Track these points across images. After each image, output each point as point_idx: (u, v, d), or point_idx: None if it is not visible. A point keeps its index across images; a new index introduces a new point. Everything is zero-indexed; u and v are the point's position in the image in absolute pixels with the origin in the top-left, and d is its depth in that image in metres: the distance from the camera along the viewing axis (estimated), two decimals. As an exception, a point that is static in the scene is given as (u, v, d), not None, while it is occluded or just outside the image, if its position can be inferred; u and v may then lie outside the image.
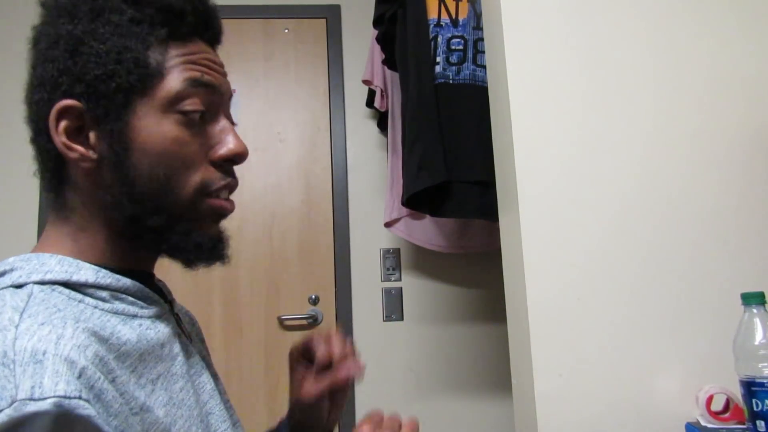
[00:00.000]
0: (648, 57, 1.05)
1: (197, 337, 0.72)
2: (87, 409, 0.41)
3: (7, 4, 2.27)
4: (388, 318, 2.18)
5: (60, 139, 0.53)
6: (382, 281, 2.20)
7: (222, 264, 0.62)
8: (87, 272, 0.52)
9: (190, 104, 0.56)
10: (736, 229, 0.99)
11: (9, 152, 2.16)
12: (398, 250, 2.22)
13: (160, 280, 0.67)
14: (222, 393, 0.65)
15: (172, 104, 0.55)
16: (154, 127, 0.55)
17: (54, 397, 0.40)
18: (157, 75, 0.55)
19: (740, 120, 1.03)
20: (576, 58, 1.04)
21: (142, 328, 0.53)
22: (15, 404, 0.39)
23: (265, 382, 2.10)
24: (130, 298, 0.55)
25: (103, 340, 0.48)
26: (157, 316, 0.57)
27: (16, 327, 0.44)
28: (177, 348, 0.57)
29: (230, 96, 0.62)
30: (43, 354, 0.42)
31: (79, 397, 0.41)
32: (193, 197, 0.57)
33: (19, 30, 2.23)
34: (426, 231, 2.00)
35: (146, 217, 0.55)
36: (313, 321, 2.15)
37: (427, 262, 2.21)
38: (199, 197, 0.57)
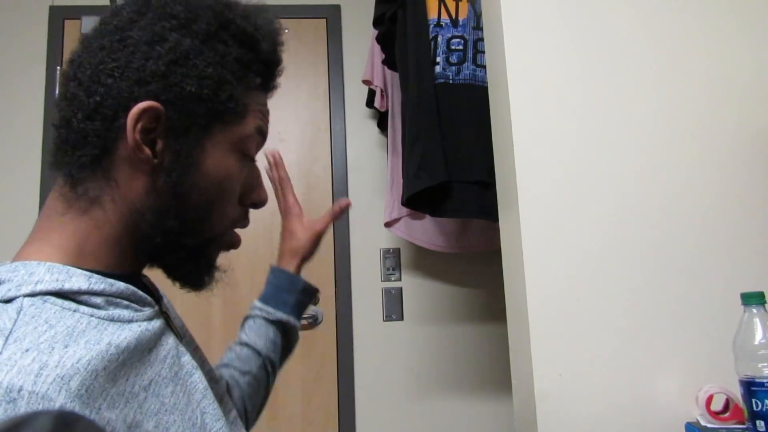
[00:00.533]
0: (648, 57, 1.05)
1: (187, 339, 0.70)
2: None
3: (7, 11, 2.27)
4: (388, 318, 2.18)
5: (135, 136, 0.53)
6: (382, 281, 2.20)
7: (203, 290, 0.64)
8: (79, 279, 0.51)
9: (254, 149, 0.62)
10: (736, 229, 0.99)
11: (9, 152, 2.16)
12: (398, 250, 2.22)
13: (145, 276, 0.66)
14: (215, 389, 0.64)
15: (240, 144, 0.60)
16: (221, 158, 0.58)
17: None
18: (239, 114, 0.59)
19: (740, 120, 1.03)
20: (576, 58, 1.04)
21: (140, 329, 0.53)
22: None
23: (265, 382, 2.10)
24: (125, 302, 0.54)
25: (98, 355, 0.46)
26: (151, 318, 0.56)
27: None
28: (166, 350, 0.56)
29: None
30: (18, 392, 0.39)
31: None
32: (225, 229, 0.62)
33: (20, 36, 2.23)
34: (426, 231, 2.00)
35: (183, 235, 0.58)
36: (313, 321, 2.15)
37: (427, 262, 2.21)
38: (229, 229, 0.63)
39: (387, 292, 2.19)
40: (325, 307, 2.17)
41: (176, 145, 0.55)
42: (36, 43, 2.23)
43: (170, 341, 0.58)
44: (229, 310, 2.15)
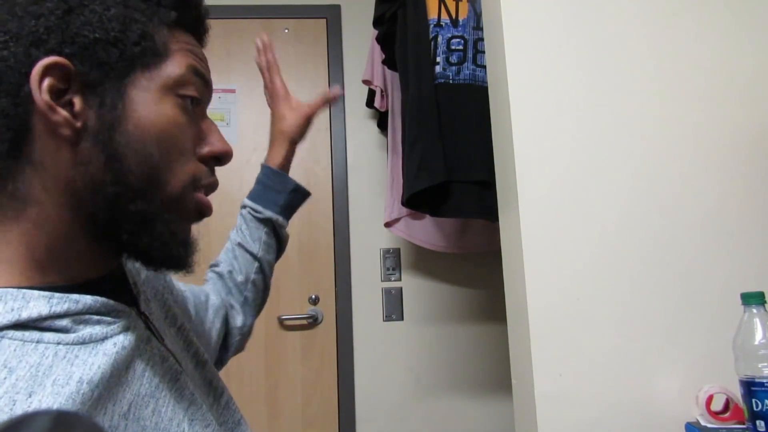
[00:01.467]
0: (648, 56, 1.05)
1: (163, 311, 0.66)
2: None
3: None
4: (388, 318, 2.18)
5: (43, 97, 0.46)
6: (382, 281, 2.20)
7: (186, 273, 0.56)
8: (38, 303, 0.44)
9: (190, 90, 0.54)
10: (736, 229, 0.99)
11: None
12: (398, 250, 2.22)
13: (127, 269, 0.60)
14: (200, 388, 0.59)
15: (173, 86, 0.53)
16: (153, 105, 0.51)
17: None
18: (161, 54, 0.52)
19: (741, 120, 1.03)
20: (576, 58, 1.04)
21: (116, 348, 0.47)
22: None
23: (265, 382, 2.10)
24: (95, 317, 0.47)
25: (72, 395, 0.41)
26: (127, 328, 0.50)
27: None
28: (145, 360, 0.51)
29: (212, 94, 0.61)
30: None
31: None
32: (183, 189, 0.53)
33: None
34: (426, 231, 2.00)
35: (129, 200, 0.50)
36: (313, 321, 2.15)
37: (427, 262, 2.21)
38: (189, 189, 0.54)
39: (387, 292, 2.19)
40: (325, 307, 2.17)
41: (96, 100, 0.49)
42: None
43: (150, 348, 0.53)
44: (229, 310, 2.14)
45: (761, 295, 0.77)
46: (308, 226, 2.21)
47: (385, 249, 2.22)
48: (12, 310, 0.43)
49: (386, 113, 2.07)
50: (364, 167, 2.27)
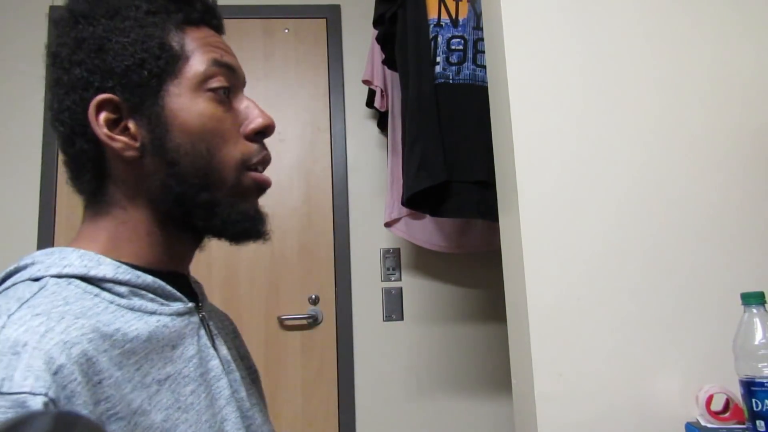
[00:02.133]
0: (648, 57, 1.05)
1: (230, 339, 0.71)
2: (50, 410, 0.40)
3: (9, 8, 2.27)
4: (388, 318, 2.18)
5: (102, 131, 0.55)
6: (382, 281, 2.20)
7: (264, 241, 0.63)
8: (107, 267, 0.53)
9: (217, 81, 0.59)
10: (737, 229, 0.99)
11: (9, 152, 2.16)
12: (398, 250, 2.22)
13: (196, 282, 0.67)
14: (244, 400, 0.62)
15: (201, 83, 0.58)
16: (189, 106, 0.57)
17: (21, 393, 0.39)
18: (182, 57, 0.58)
19: (741, 120, 1.03)
20: (576, 58, 1.04)
21: (159, 324, 0.54)
22: None
23: (266, 382, 2.09)
24: (150, 295, 0.55)
25: (106, 336, 0.48)
26: (178, 314, 0.57)
27: (9, 316, 0.45)
28: (193, 350, 0.57)
29: (245, 80, 0.65)
30: (23, 346, 0.42)
31: (45, 394, 0.40)
32: (237, 171, 0.59)
33: (20, 36, 2.23)
34: (426, 231, 2.00)
35: (194, 194, 0.57)
36: (313, 321, 2.15)
37: (427, 262, 2.21)
38: (242, 171, 0.60)
39: (387, 292, 2.19)
40: (325, 307, 2.17)
41: (144, 119, 0.56)
42: (36, 43, 2.23)
43: (200, 343, 0.58)
44: (230, 310, 2.14)
45: (761, 295, 0.77)
46: (308, 226, 2.21)
47: (385, 249, 2.22)
48: (85, 266, 0.52)
49: (386, 113, 2.07)
50: (364, 167, 2.27)
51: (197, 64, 0.58)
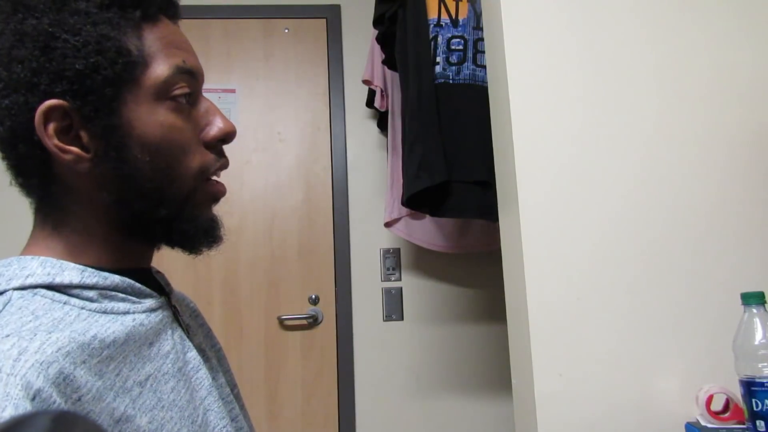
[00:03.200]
0: (648, 57, 1.05)
1: (199, 327, 0.69)
2: None
3: None
4: (388, 318, 2.18)
5: (52, 142, 0.50)
6: (382, 281, 2.20)
7: (218, 246, 0.60)
8: (71, 273, 0.50)
9: (179, 89, 0.54)
10: (737, 229, 0.99)
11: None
12: (398, 250, 2.22)
13: (158, 272, 0.64)
14: (224, 386, 0.63)
15: (162, 91, 0.53)
16: (148, 117, 0.52)
17: None
18: (141, 62, 0.52)
19: (741, 120, 1.03)
20: (576, 58, 1.04)
21: (135, 323, 0.51)
22: None
23: (265, 382, 2.10)
24: (120, 295, 0.52)
25: (83, 345, 0.45)
26: (151, 310, 0.55)
27: None
28: (169, 344, 0.55)
29: (203, 77, 0.60)
30: None
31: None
32: (195, 183, 0.56)
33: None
34: (426, 231, 2.00)
35: (153, 210, 0.54)
36: (313, 321, 2.15)
37: (427, 262, 2.21)
38: (200, 182, 0.57)
39: (387, 292, 2.19)
40: (325, 307, 2.18)
41: (98, 129, 0.51)
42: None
43: (175, 336, 0.56)
44: (230, 310, 2.15)
45: (761, 295, 0.77)
46: (308, 226, 2.21)
47: (385, 249, 2.22)
48: (48, 274, 0.49)
49: (386, 113, 2.07)
50: (364, 167, 2.27)
51: (159, 70, 0.53)
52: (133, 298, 0.54)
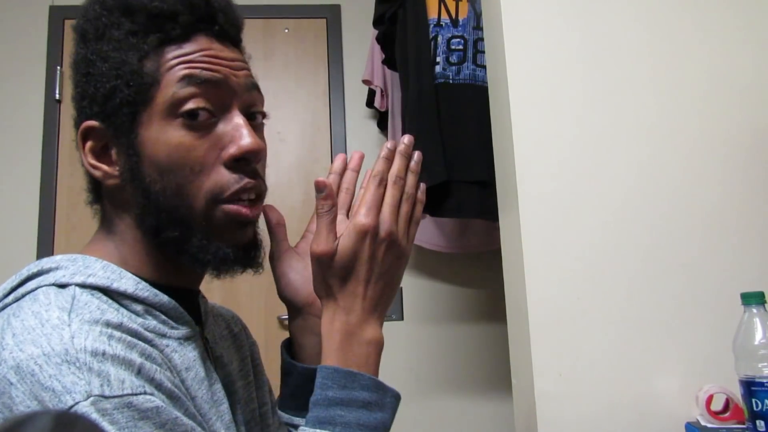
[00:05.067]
0: (648, 57, 1.05)
1: (235, 353, 0.70)
2: (154, 402, 0.44)
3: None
4: (388, 318, 2.18)
5: (87, 159, 0.55)
6: (382, 281, 2.20)
7: (254, 272, 0.59)
8: (128, 282, 0.52)
9: (192, 103, 0.53)
10: (736, 229, 0.99)
11: (9, 152, 2.16)
12: (398, 250, 2.21)
13: (203, 298, 0.65)
14: (240, 423, 0.62)
15: (172, 109, 0.53)
16: (157, 136, 0.53)
17: (123, 395, 0.42)
18: (153, 83, 0.53)
19: (740, 120, 1.03)
20: (576, 58, 1.04)
21: (167, 350, 0.53)
22: (91, 399, 0.41)
23: (265, 382, 2.10)
24: (163, 316, 0.54)
25: (147, 340, 0.49)
26: (186, 338, 0.56)
27: (69, 326, 0.45)
28: (202, 372, 0.56)
29: (249, 88, 0.58)
30: (103, 354, 0.44)
31: (144, 392, 0.44)
32: (206, 205, 0.54)
33: (20, 36, 2.23)
34: (426, 231, 2.00)
35: (164, 229, 0.54)
36: (313, 321, 2.15)
37: (427, 262, 2.20)
38: (212, 204, 0.54)
39: (387, 292, 2.19)
40: (325, 307, 2.17)
41: (122, 147, 0.55)
42: (36, 43, 2.23)
43: (206, 366, 0.57)
44: (229, 310, 2.14)
45: (761, 295, 0.77)
46: (308, 226, 2.21)
47: (385, 249, 2.21)
48: (108, 278, 0.52)
49: (386, 113, 2.07)
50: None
51: (168, 87, 0.53)
52: (172, 323, 0.55)
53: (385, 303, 0.59)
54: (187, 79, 0.53)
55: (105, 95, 0.54)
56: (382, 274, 0.56)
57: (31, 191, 2.14)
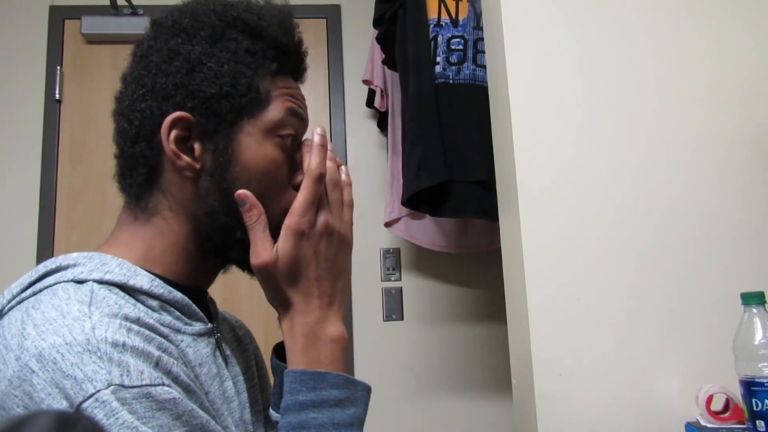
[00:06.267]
0: (648, 56, 1.05)
1: (241, 355, 0.72)
2: (171, 393, 0.46)
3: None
4: (388, 318, 2.18)
5: (170, 146, 0.57)
6: (382, 281, 2.20)
7: None
8: (143, 279, 0.55)
9: (287, 130, 0.61)
10: (736, 229, 0.99)
11: (9, 152, 2.16)
12: (398, 250, 2.22)
13: (211, 299, 0.69)
14: (247, 422, 0.63)
15: (273, 129, 0.60)
16: (256, 147, 0.59)
17: (142, 386, 0.45)
18: (264, 101, 0.60)
19: (741, 119, 1.03)
20: (576, 58, 1.04)
21: (182, 344, 0.55)
22: (112, 387, 0.43)
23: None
24: (177, 312, 0.57)
25: (163, 335, 0.51)
26: (199, 335, 0.58)
27: (90, 318, 0.47)
28: (214, 369, 0.59)
29: (307, 127, 0.67)
30: (123, 346, 0.46)
31: (162, 384, 0.46)
32: (278, 218, 0.59)
33: (20, 36, 2.23)
34: (426, 231, 2.00)
35: (237, 228, 0.58)
36: (313, 321, 2.15)
37: (427, 262, 2.20)
38: (281, 217, 0.59)
39: (387, 292, 2.19)
40: (325, 307, 2.17)
41: (211, 145, 0.58)
42: (36, 43, 2.23)
43: (218, 363, 0.60)
44: (230, 310, 2.14)
45: (761, 295, 0.77)
46: (308, 226, 2.21)
47: (385, 249, 2.22)
48: (124, 275, 0.54)
49: (386, 113, 2.07)
50: (364, 167, 2.27)
51: (275, 111, 0.61)
52: (186, 319, 0.58)
53: (341, 295, 0.61)
54: (291, 111, 0.62)
55: (212, 95, 0.57)
56: (330, 267, 0.60)
57: (31, 191, 2.14)
